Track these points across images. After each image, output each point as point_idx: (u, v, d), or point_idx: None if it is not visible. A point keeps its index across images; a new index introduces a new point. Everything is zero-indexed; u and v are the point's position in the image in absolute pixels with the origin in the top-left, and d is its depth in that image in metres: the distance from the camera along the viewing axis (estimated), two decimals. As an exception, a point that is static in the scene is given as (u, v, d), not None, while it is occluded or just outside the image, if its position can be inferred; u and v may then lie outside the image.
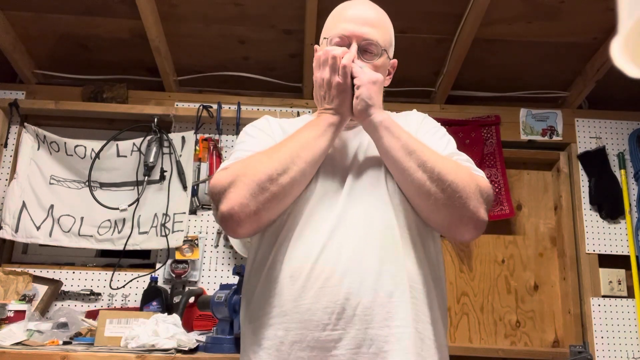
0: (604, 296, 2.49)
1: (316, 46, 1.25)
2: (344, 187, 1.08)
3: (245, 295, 1.14)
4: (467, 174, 1.05)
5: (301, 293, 1.00)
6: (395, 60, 1.26)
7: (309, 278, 1.00)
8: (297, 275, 1.01)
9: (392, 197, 1.08)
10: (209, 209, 2.51)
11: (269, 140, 1.17)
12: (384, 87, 1.22)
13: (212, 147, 2.59)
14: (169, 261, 2.41)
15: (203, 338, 1.81)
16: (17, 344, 1.70)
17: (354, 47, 1.13)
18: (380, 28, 1.18)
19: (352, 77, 1.09)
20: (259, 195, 1.01)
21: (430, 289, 1.06)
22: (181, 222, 2.44)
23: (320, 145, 1.07)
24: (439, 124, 1.26)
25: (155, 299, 2.16)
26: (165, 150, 2.54)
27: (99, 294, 2.40)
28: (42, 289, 2.28)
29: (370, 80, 1.08)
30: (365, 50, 1.16)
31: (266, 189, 1.01)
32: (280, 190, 1.02)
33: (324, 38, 1.20)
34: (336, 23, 1.19)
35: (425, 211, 1.07)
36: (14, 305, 1.92)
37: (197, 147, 2.57)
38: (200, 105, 2.59)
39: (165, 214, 2.46)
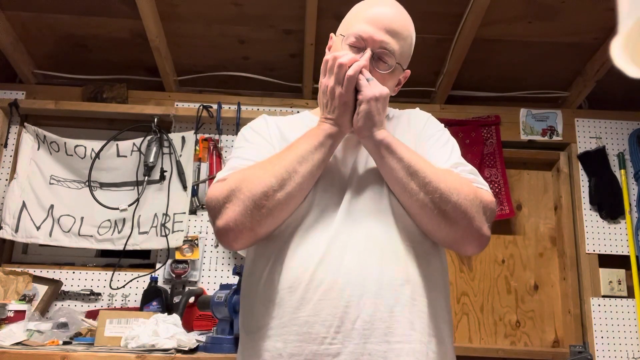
0: (604, 296, 2.49)
1: (332, 34, 1.19)
2: (343, 198, 1.06)
3: (242, 305, 1.12)
4: (471, 192, 1.03)
5: (300, 305, 0.98)
6: (408, 71, 1.20)
7: (308, 289, 0.98)
8: (296, 286, 0.99)
9: (393, 208, 1.05)
10: (209, 209, 2.51)
11: (267, 145, 1.14)
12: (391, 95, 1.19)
13: (212, 147, 2.59)
14: (169, 261, 2.41)
15: (203, 338, 1.81)
16: (17, 344, 1.70)
17: (368, 53, 1.08)
18: (401, 38, 1.12)
19: (357, 89, 1.05)
20: (254, 212, 0.99)
21: (433, 301, 1.03)
22: (181, 222, 2.44)
23: (318, 158, 1.04)
24: (443, 125, 1.23)
25: (155, 299, 2.16)
26: (165, 150, 2.54)
27: (99, 294, 2.40)
28: (42, 289, 2.28)
29: (373, 96, 1.03)
30: (380, 58, 1.10)
31: (262, 205, 0.99)
32: (277, 205, 1.00)
33: (341, 34, 1.14)
34: (356, 20, 1.12)
35: (427, 229, 1.05)
36: (14, 305, 1.92)
37: (197, 147, 2.57)
38: (200, 105, 2.59)
39: (165, 214, 2.46)
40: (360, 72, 1.05)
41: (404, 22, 1.14)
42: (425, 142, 1.15)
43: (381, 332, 0.96)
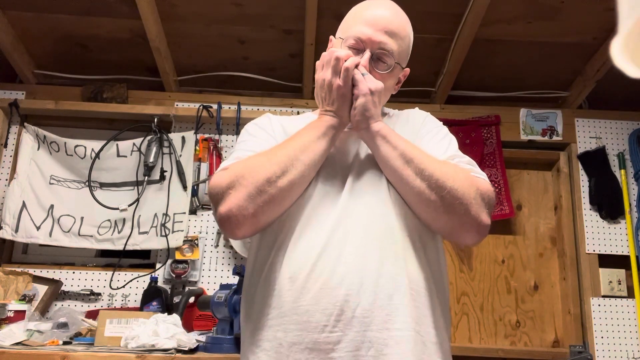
0: (604, 296, 2.49)
1: (331, 37, 1.22)
2: (344, 189, 1.08)
3: (245, 296, 1.14)
4: (467, 179, 1.04)
5: (300, 294, 0.99)
6: (407, 70, 1.22)
7: (309, 279, 0.99)
8: (297, 276, 1.00)
9: (392, 199, 1.07)
10: (209, 209, 2.51)
11: (270, 139, 1.16)
12: (391, 94, 1.21)
13: (212, 147, 2.59)
14: (169, 261, 2.41)
15: (203, 338, 1.81)
16: (17, 344, 1.69)
17: (367, 54, 1.11)
18: (399, 38, 1.14)
19: (353, 85, 1.08)
20: (257, 198, 1.00)
21: (432, 292, 1.05)
22: (181, 222, 2.44)
23: (320, 148, 1.07)
24: (441, 122, 1.25)
25: (155, 299, 2.16)
26: (165, 150, 2.54)
27: (99, 294, 2.40)
28: (42, 289, 2.28)
29: (369, 90, 1.06)
30: (379, 58, 1.13)
31: (265, 191, 1.00)
32: (279, 193, 1.01)
33: (340, 37, 1.18)
34: (355, 23, 1.16)
35: (426, 218, 1.06)
36: (14, 305, 1.92)
37: (197, 147, 2.57)
38: (200, 105, 2.59)
39: (165, 214, 2.46)
40: (356, 67, 1.08)
41: (402, 23, 1.17)
42: (423, 137, 1.17)
43: (381, 319, 0.97)
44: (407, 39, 1.18)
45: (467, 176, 1.06)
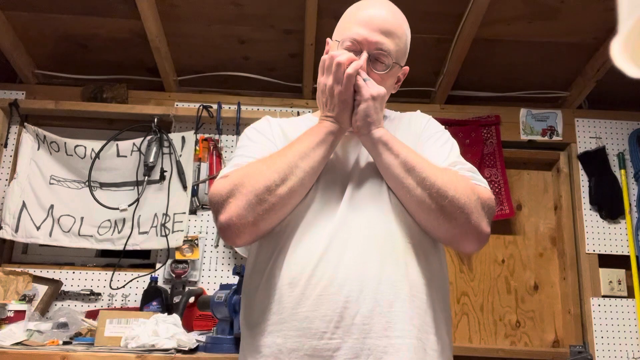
0: (604, 296, 2.49)
1: (328, 39, 1.21)
2: (344, 195, 1.07)
3: (244, 301, 1.13)
4: (468, 188, 1.04)
5: (300, 300, 0.99)
6: (407, 68, 1.21)
7: (308, 285, 0.99)
8: (296, 282, 1.00)
9: (393, 205, 1.07)
10: (209, 209, 2.51)
11: (270, 144, 1.16)
12: (391, 93, 1.20)
13: (212, 147, 2.59)
14: (169, 261, 2.41)
15: (203, 338, 1.81)
16: (17, 344, 1.70)
17: (364, 55, 1.10)
18: (395, 37, 1.13)
19: (355, 90, 1.07)
20: (257, 207, 1.00)
21: (433, 299, 1.04)
22: (181, 222, 2.44)
23: (320, 154, 1.06)
24: (443, 127, 1.25)
25: (155, 299, 2.16)
26: (165, 150, 2.54)
27: (99, 294, 2.40)
28: (42, 289, 2.28)
29: (371, 95, 1.05)
30: (376, 59, 1.12)
31: (264, 200, 1.00)
32: (279, 201, 1.01)
33: (336, 40, 1.16)
34: (350, 25, 1.14)
35: (427, 225, 1.06)
36: (14, 305, 1.92)
37: (197, 147, 2.57)
38: (200, 105, 2.59)
39: (165, 214, 2.46)
40: (358, 72, 1.06)
41: (397, 21, 1.16)
42: (425, 142, 1.17)
43: (381, 327, 0.97)
44: (404, 38, 1.17)
45: (468, 184, 1.05)
